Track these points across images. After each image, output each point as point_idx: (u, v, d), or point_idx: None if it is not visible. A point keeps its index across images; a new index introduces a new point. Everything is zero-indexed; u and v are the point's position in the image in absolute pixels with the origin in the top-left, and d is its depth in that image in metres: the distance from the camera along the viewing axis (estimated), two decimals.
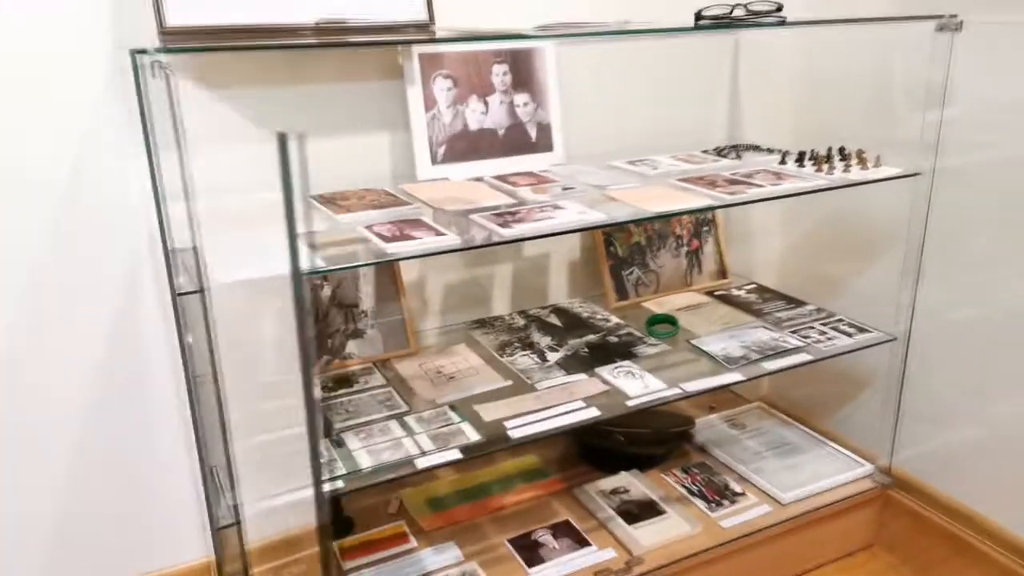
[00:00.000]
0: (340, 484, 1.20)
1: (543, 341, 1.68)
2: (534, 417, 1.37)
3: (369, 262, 1.12)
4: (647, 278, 1.89)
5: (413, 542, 1.59)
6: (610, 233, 1.86)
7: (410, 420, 1.38)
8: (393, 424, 1.37)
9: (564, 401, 1.42)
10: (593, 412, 1.38)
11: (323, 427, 1.37)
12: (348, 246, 1.18)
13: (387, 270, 1.64)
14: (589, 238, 1.89)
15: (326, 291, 1.59)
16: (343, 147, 1.58)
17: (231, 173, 1.19)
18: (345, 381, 1.54)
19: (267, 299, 0.97)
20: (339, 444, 1.31)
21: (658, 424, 1.82)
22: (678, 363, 1.59)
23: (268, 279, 0.93)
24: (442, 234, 1.21)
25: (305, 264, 1.06)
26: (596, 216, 1.30)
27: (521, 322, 1.79)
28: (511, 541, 1.58)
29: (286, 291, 0.81)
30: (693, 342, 1.64)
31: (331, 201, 1.44)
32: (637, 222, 1.85)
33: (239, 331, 1.20)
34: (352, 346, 1.60)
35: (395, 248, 1.15)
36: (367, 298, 1.62)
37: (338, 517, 1.62)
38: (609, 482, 1.75)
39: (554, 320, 1.79)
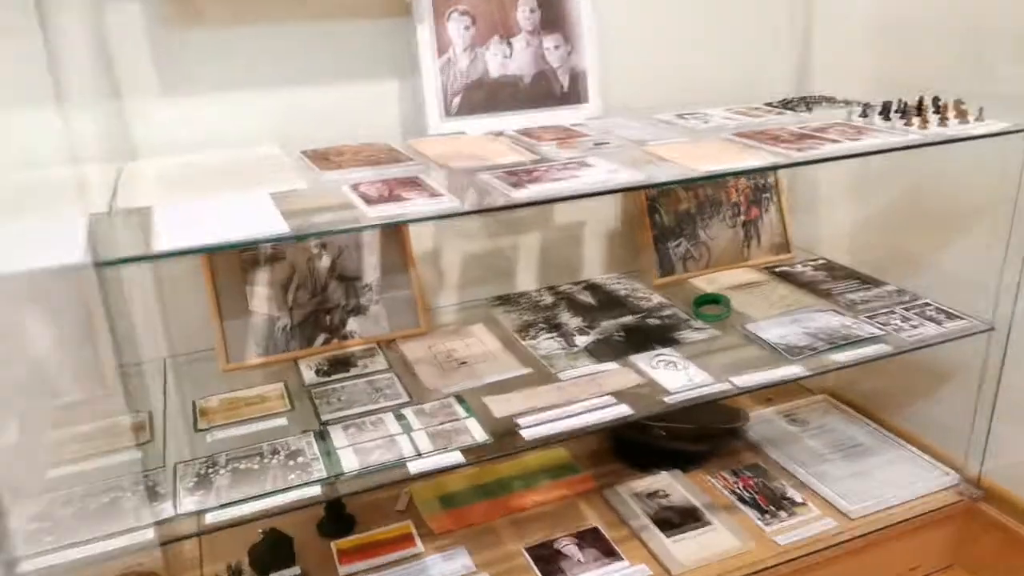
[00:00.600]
0: (316, 491, 1.01)
1: (572, 322, 1.46)
2: (553, 414, 1.16)
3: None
4: (696, 251, 1.65)
5: (419, 546, 1.41)
6: (654, 199, 1.62)
7: (409, 413, 1.19)
8: (389, 418, 1.17)
9: (590, 395, 1.21)
10: (624, 410, 1.17)
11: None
12: (319, 214, 0.97)
13: (395, 238, 1.44)
14: (630, 204, 1.65)
15: (324, 261, 1.40)
16: (343, 96, 1.38)
17: None
18: (342, 364, 1.35)
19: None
20: (323, 438, 1.12)
21: (705, 417, 1.59)
22: (729, 352, 1.36)
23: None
24: (438, 195, 1.00)
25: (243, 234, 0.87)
26: (630, 176, 1.07)
27: (549, 299, 1.57)
28: (530, 550, 1.38)
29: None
30: (747, 327, 1.40)
31: (323, 157, 1.23)
32: (683, 183, 1.60)
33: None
34: (353, 324, 1.41)
35: (377, 212, 0.94)
36: (371, 269, 1.43)
37: (337, 515, 1.44)
38: (646, 483, 1.53)
39: (586, 298, 1.57)
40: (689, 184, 1.61)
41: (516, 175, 1.08)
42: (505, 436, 1.13)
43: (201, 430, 1.17)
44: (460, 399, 1.22)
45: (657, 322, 1.46)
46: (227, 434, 1.16)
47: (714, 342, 1.39)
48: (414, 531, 1.45)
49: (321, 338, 1.39)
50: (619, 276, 1.68)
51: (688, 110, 1.51)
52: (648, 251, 1.63)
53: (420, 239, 1.51)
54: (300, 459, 1.08)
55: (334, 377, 1.31)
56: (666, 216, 1.64)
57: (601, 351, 1.36)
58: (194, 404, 1.24)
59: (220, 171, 1.18)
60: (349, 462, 1.07)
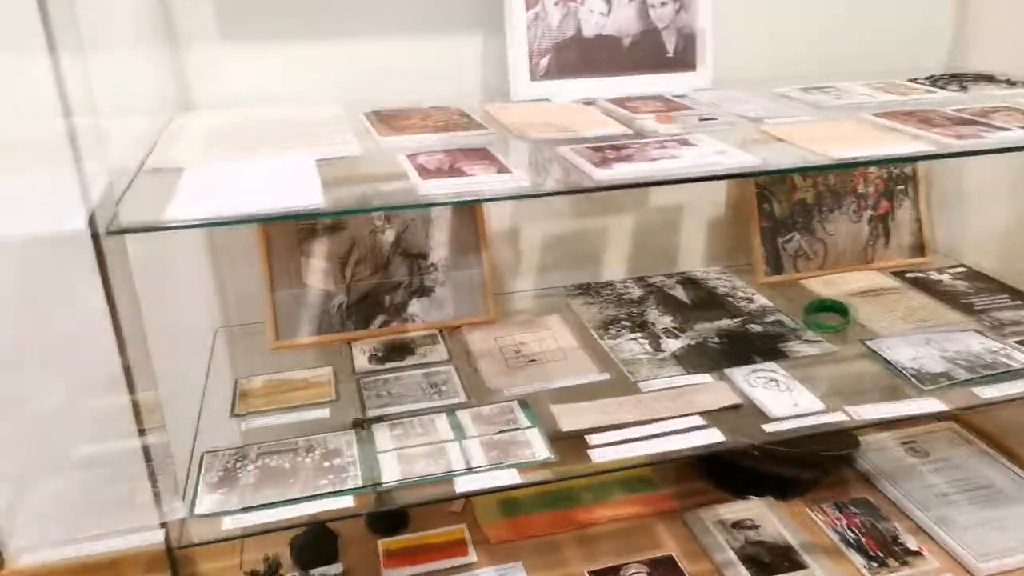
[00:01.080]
0: (348, 503, 0.89)
1: (661, 321, 1.28)
2: (630, 433, 0.99)
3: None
4: (812, 248, 1.43)
5: (472, 555, 1.28)
6: (766, 185, 1.41)
7: (464, 416, 1.05)
8: (441, 420, 1.04)
9: (675, 413, 1.03)
10: (714, 436, 0.99)
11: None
12: (365, 185, 0.83)
13: (467, 213, 1.29)
14: (738, 190, 1.45)
15: (388, 235, 1.27)
16: (419, 53, 1.23)
17: None
18: (399, 350, 1.22)
19: None
20: (365, 437, 0.99)
21: (808, 440, 1.37)
22: (845, 372, 1.15)
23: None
24: (506, 171, 0.84)
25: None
26: (741, 160, 0.88)
27: (637, 292, 1.39)
28: (594, 574, 1.23)
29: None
30: (869, 343, 1.19)
31: (386, 120, 1.09)
32: (808, 172, 1.38)
33: None
34: (415, 306, 1.28)
35: (431, 188, 0.79)
36: (439, 247, 1.29)
37: (389, 511, 1.32)
38: (734, 509, 1.35)
39: (680, 294, 1.38)
40: (813, 170, 1.39)
41: (602, 151, 0.90)
42: (570, 455, 0.97)
43: (238, 415, 1.07)
44: (524, 404, 1.07)
45: (759, 329, 1.26)
46: (264, 422, 1.05)
47: (827, 359, 1.18)
48: (468, 537, 1.32)
49: (379, 320, 1.27)
50: (720, 271, 1.48)
51: (817, 83, 1.28)
52: (755, 244, 1.42)
53: (496, 216, 1.36)
54: (336, 460, 0.96)
55: (388, 365, 1.18)
56: (779, 206, 1.42)
57: (692, 359, 1.17)
58: (235, 384, 1.13)
59: (271, 130, 1.05)
60: (390, 471, 0.94)
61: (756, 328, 1.27)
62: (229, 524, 0.86)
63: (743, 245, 1.45)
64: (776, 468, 1.39)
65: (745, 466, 1.39)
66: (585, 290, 1.42)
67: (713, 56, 1.28)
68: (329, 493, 0.90)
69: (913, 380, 1.09)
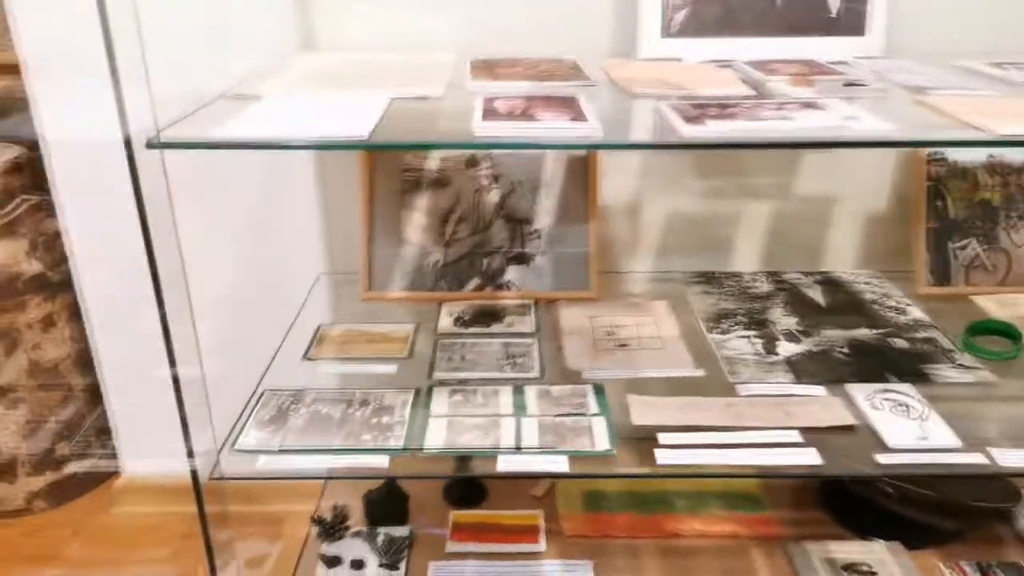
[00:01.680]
0: (383, 462, 0.84)
1: (784, 322, 1.12)
2: (707, 438, 0.86)
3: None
4: (991, 259, 1.20)
5: (542, 544, 1.20)
6: (941, 179, 1.19)
7: (530, 392, 0.97)
8: (506, 392, 0.96)
9: (769, 425, 0.88)
10: (810, 458, 0.84)
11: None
12: (424, 122, 0.76)
13: (580, 179, 1.20)
14: (906, 183, 1.24)
15: (493, 195, 1.20)
16: (547, 5, 1.14)
17: None
18: (487, 316, 1.16)
19: None
20: (423, 399, 0.94)
21: (955, 484, 1.16)
22: (1002, 409, 0.95)
23: None
24: (581, 120, 0.73)
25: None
26: (871, 126, 0.72)
27: (764, 288, 1.24)
28: None
29: None
30: None
31: (488, 67, 1.02)
32: (956, 145, 1.14)
33: None
34: (513, 273, 1.20)
35: (483, 129, 0.71)
36: (545, 214, 1.20)
37: (468, 480, 1.27)
38: (850, 549, 1.17)
39: (816, 295, 1.21)
40: (976, 147, 1.15)
41: (703, 109, 0.77)
42: (634, 451, 0.86)
43: (310, 359, 1.05)
44: (599, 389, 0.97)
45: (904, 345, 1.07)
46: (332, 369, 1.04)
47: (982, 390, 0.97)
48: (542, 525, 1.24)
49: (473, 283, 1.21)
50: (873, 275, 1.28)
51: (1010, 58, 1.05)
52: (919, 248, 1.21)
53: (614, 186, 1.25)
54: (386, 418, 0.91)
55: (471, 330, 1.12)
56: (954, 205, 1.20)
57: (808, 368, 1.01)
58: (317, 330, 1.12)
59: (373, 71, 1.02)
60: (434, 437, 0.88)
61: (900, 343, 1.07)
62: (263, 464, 0.84)
63: (905, 248, 1.24)
64: (912, 511, 1.19)
65: (873, 502, 1.20)
66: (707, 279, 1.28)
67: (887, 20, 1.09)
68: (365, 449, 0.85)
69: None
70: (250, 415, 0.92)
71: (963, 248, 1.20)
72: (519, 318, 1.16)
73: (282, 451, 0.86)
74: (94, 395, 1.44)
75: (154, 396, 0.88)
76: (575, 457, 0.85)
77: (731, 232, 1.31)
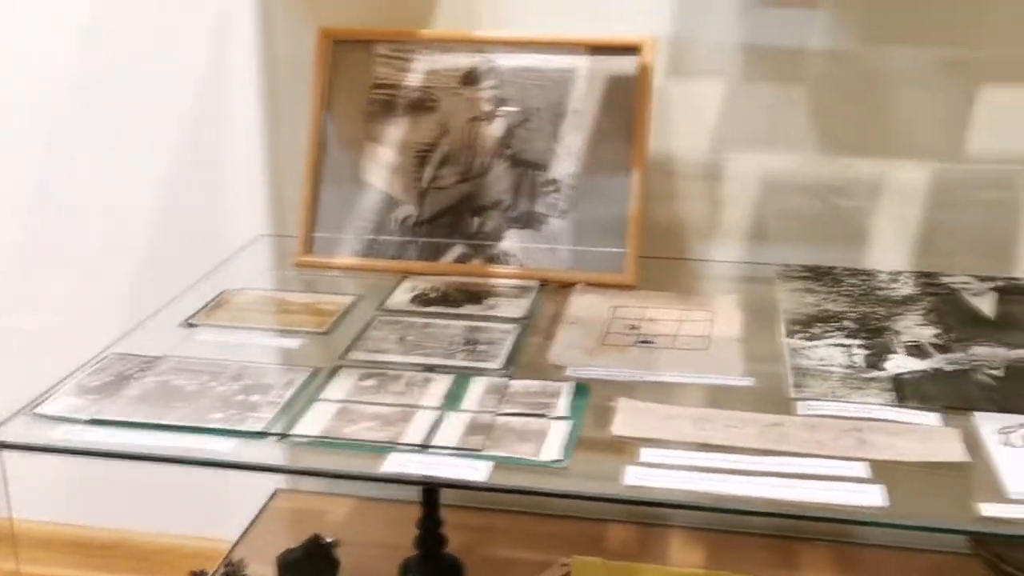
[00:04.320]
0: (226, 447, 0.84)
1: (916, 333, 1.07)
2: (712, 460, 0.81)
3: None
4: None
5: None
6: None
7: (478, 385, 0.95)
8: (441, 384, 0.95)
9: (824, 453, 0.82)
10: (868, 497, 0.76)
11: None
12: None
13: (624, 111, 1.18)
14: None
15: (496, 126, 1.21)
16: None
17: None
18: (461, 296, 1.14)
19: None
20: (318, 384, 0.94)
21: None
22: None
23: None
24: None
25: None
26: None
27: (906, 290, 1.19)
28: None
29: None
30: None
31: None
32: None
33: None
34: (512, 239, 1.20)
35: None
36: (568, 157, 1.19)
37: (433, 548, 1.25)
38: None
39: (984, 304, 1.15)
40: None
41: None
42: (609, 468, 0.81)
43: (191, 324, 1.08)
44: (581, 390, 0.93)
45: None
46: (215, 338, 1.07)
47: None
48: None
49: (455, 251, 1.21)
50: None
51: None
52: None
53: (684, 127, 1.24)
54: (256, 397, 0.92)
55: (431, 309, 1.11)
56: None
57: (925, 389, 0.94)
58: (219, 295, 1.15)
59: None
60: (311, 423, 0.87)
61: None
62: (62, 435, 0.86)
63: None
64: None
65: None
66: (816, 275, 1.23)
67: None
68: (202, 428, 0.85)
69: None
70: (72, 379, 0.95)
71: None
72: (508, 301, 1.14)
73: (92, 421, 0.87)
74: None
75: None
76: (505, 466, 0.81)
77: (875, 216, 1.28)
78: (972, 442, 0.85)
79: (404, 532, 1.26)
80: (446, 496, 1.26)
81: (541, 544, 1.34)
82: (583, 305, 1.13)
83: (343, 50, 1.24)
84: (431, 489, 1.22)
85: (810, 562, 1.33)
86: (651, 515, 1.37)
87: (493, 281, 1.19)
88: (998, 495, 0.77)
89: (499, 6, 1.25)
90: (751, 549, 1.31)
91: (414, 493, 1.26)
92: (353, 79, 1.24)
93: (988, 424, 0.87)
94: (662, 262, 1.24)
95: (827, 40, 1.23)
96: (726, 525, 1.35)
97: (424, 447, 0.84)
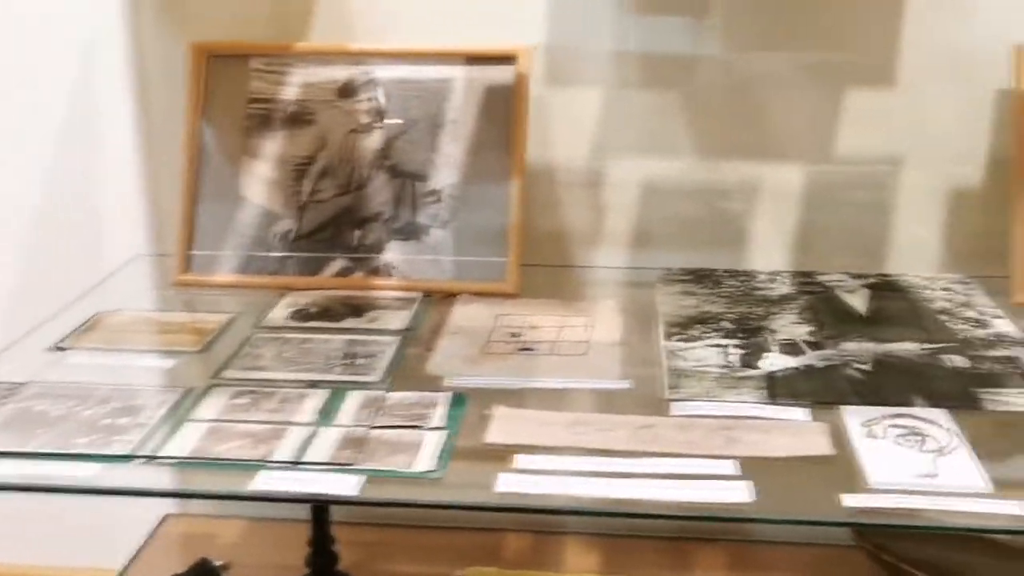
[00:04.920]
0: (91, 473, 0.81)
1: (790, 331, 1.10)
2: (587, 464, 0.81)
3: None
4: None
5: None
6: None
7: (353, 399, 0.95)
8: (315, 399, 0.94)
9: (695, 453, 0.83)
10: (737, 493, 0.78)
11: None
12: None
13: (502, 120, 1.18)
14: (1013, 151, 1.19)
15: (375, 137, 1.20)
16: None
17: None
18: (342, 310, 1.14)
19: None
20: (189, 404, 0.92)
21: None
22: None
23: None
24: None
25: None
26: None
27: (783, 289, 1.22)
28: None
29: None
30: None
31: None
32: None
33: None
34: (395, 252, 1.20)
35: None
36: (449, 167, 1.19)
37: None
38: None
39: (856, 301, 1.19)
40: None
41: None
42: (471, 476, 0.81)
43: (61, 348, 1.05)
44: (458, 400, 0.93)
45: (964, 364, 1.01)
46: (86, 361, 1.05)
47: None
48: None
49: (336, 265, 1.20)
50: (962, 280, 1.24)
51: None
52: (1019, 247, 1.15)
53: (564, 134, 1.26)
54: (126, 420, 0.90)
55: (310, 324, 1.10)
56: None
57: (796, 386, 0.96)
58: (92, 316, 1.13)
59: None
60: (180, 444, 0.85)
61: (958, 361, 1.02)
62: None
63: (1000, 245, 1.20)
64: None
65: None
66: (696, 277, 1.25)
67: None
68: (64, 454, 0.83)
69: None
70: None
71: None
72: (390, 313, 1.14)
73: None
74: None
75: None
76: (379, 479, 0.81)
77: (753, 217, 1.31)
78: (838, 435, 0.87)
79: (296, 552, 1.25)
80: (337, 513, 1.25)
81: (436, 557, 1.34)
82: (466, 315, 1.13)
83: (218, 65, 1.22)
84: (320, 507, 1.21)
85: (703, 562, 1.35)
86: (545, 523, 1.38)
87: (375, 294, 1.18)
88: (860, 485, 0.79)
89: (375, 17, 1.25)
90: (645, 552, 1.33)
91: (304, 512, 1.25)
92: (229, 94, 1.22)
93: (854, 417, 0.89)
94: (546, 270, 1.25)
95: (701, 46, 1.26)
96: (620, 530, 1.36)
97: (295, 463, 0.83)
